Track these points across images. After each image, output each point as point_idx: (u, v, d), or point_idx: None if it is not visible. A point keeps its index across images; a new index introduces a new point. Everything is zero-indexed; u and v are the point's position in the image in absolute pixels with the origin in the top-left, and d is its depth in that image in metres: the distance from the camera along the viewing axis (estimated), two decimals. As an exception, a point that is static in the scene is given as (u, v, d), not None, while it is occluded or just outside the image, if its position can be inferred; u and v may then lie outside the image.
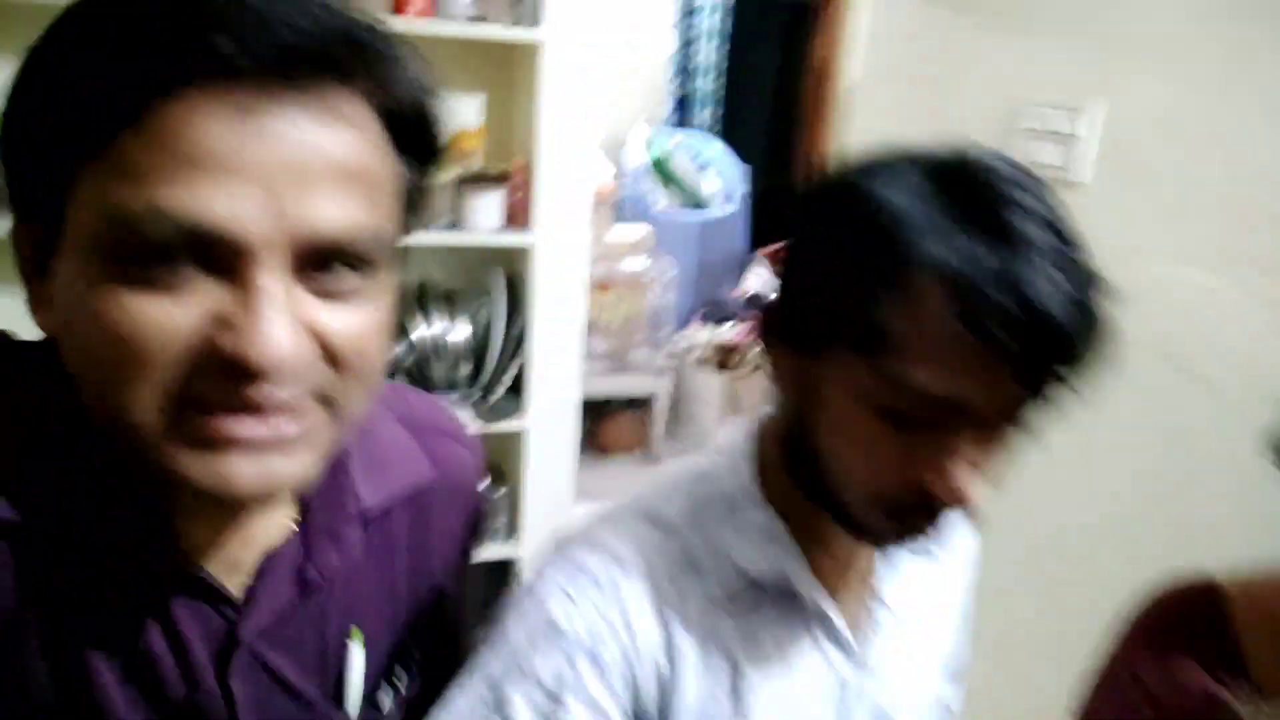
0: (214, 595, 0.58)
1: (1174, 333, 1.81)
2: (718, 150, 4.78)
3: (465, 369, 2.28)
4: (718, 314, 4.04)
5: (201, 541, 0.58)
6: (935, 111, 2.34)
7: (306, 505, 0.63)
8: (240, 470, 0.49)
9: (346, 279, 0.51)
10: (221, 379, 0.48)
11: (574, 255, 2.28)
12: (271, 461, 0.50)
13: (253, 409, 0.49)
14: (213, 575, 0.58)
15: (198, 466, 0.49)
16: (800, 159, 3.94)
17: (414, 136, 0.54)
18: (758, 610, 0.75)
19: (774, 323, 0.72)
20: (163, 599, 0.56)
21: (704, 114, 5.21)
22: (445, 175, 2.09)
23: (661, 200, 4.46)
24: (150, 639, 0.56)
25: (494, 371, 2.28)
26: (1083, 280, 0.62)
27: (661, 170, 4.50)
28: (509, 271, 2.31)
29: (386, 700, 0.70)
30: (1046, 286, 0.60)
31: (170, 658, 0.57)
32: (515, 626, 0.72)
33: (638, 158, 4.49)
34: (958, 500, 0.65)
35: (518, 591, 0.75)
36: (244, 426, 0.49)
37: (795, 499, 0.75)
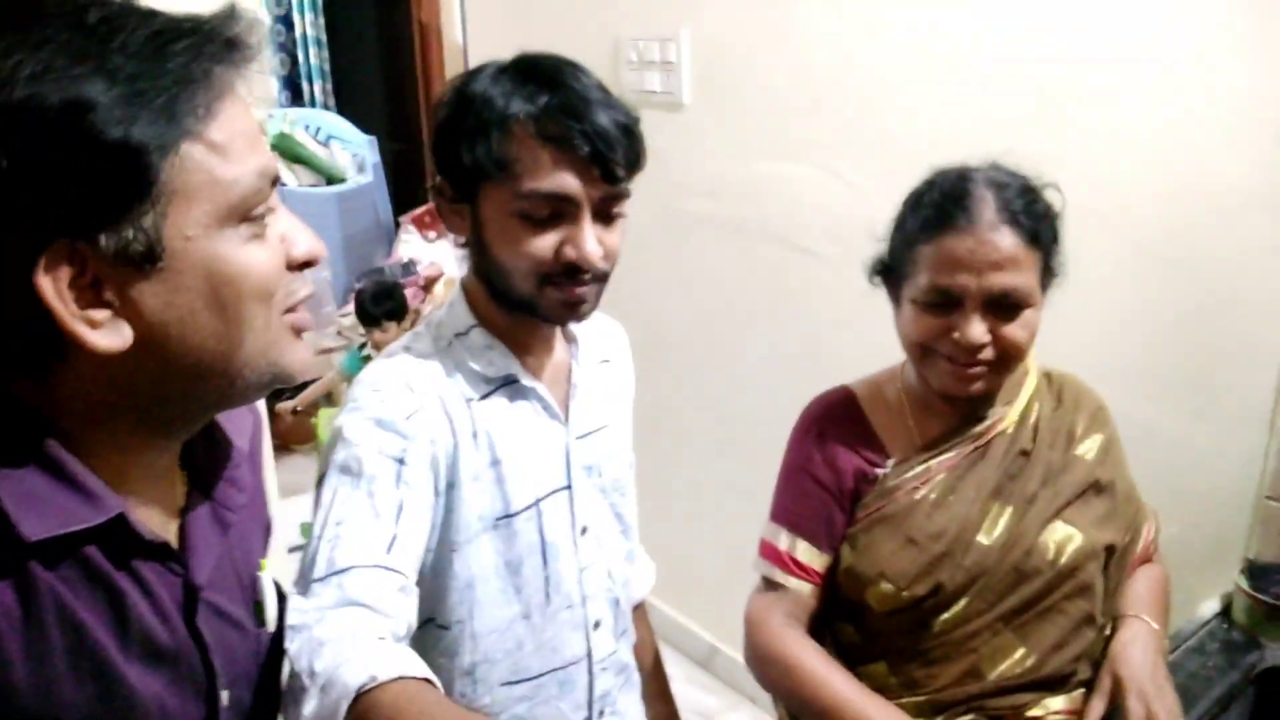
0: (167, 554, 0.67)
1: (781, 216, 2.16)
2: (336, 123, 4.67)
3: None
4: (378, 286, 4.02)
5: (142, 511, 0.66)
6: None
7: (192, 465, 0.73)
8: (305, 349, 0.69)
9: None
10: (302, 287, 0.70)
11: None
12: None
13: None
14: (160, 536, 0.67)
15: (299, 351, 0.69)
16: (427, 121, 3.99)
17: None
18: (494, 399, 1.03)
19: (444, 194, 1.01)
20: (130, 565, 0.64)
21: (314, 89, 5.05)
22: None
23: (292, 180, 4.32)
24: (131, 600, 0.63)
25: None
26: (622, 109, 0.96)
27: (286, 149, 4.34)
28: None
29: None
30: (598, 112, 0.93)
31: (149, 612, 0.65)
32: (351, 430, 0.93)
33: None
34: (588, 259, 0.95)
35: (336, 421, 0.96)
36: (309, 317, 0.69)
37: (501, 320, 1.03)
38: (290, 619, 0.82)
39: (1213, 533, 1.52)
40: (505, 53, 1.02)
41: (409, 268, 4.19)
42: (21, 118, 0.54)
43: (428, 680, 0.75)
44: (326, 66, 5.09)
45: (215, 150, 0.60)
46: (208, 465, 0.74)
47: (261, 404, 0.87)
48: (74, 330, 0.58)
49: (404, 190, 4.58)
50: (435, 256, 4.22)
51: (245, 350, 0.64)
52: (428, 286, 4.10)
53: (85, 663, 0.60)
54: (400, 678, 0.73)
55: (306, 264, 0.68)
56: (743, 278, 2.27)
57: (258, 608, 0.78)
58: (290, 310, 0.67)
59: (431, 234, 4.29)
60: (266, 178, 0.64)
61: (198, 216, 0.60)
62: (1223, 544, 1.51)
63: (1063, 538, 1.08)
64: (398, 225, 4.51)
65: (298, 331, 0.68)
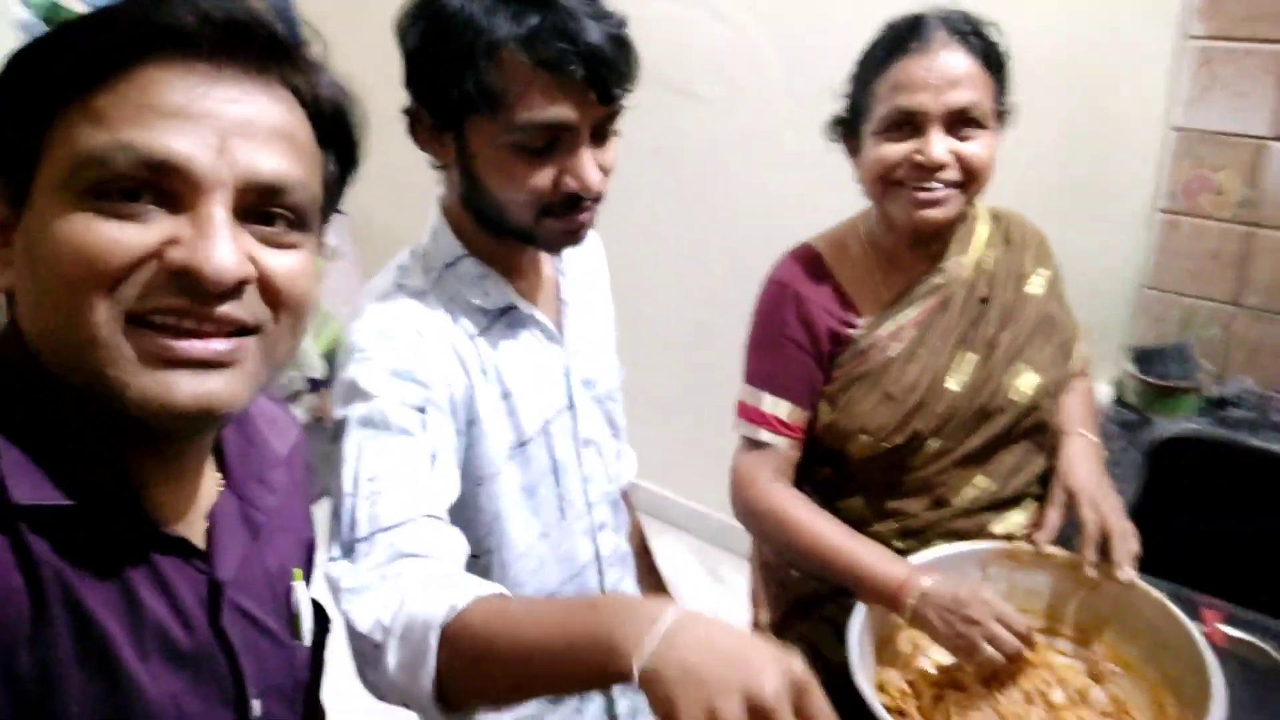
0: (187, 549, 0.64)
1: (659, 60, 2.09)
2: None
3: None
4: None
5: (161, 503, 0.63)
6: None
7: (226, 464, 0.70)
8: (182, 387, 0.55)
9: (284, 232, 0.60)
10: (174, 294, 0.55)
11: None
12: (210, 380, 0.57)
13: (199, 328, 0.56)
14: (177, 531, 0.64)
15: (144, 382, 0.55)
16: None
17: (332, 134, 0.64)
18: (496, 331, 1.00)
19: (422, 124, 0.93)
20: (147, 558, 0.61)
21: None
22: None
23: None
24: (144, 595, 0.60)
25: None
26: (612, 19, 0.89)
27: (56, 20, 3.81)
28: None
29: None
30: (589, 28, 0.86)
31: (166, 610, 0.61)
32: (368, 382, 0.89)
33: (19, 12, 3.73)
34: (590, 189, 0.91)
35: (343, 372, 0.91)
36: (190, 345, 0.56)
37: (490, 246, 0.99)
38: (343, 582, 0.79)
39: (1100, 324, 1.68)
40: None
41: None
42: None
43: (502, 594, 0.74)
44: None
45: (90, 118, 0.55)
46: (238, 463, 0.71)
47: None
48: None
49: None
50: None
51: (86, 342, 0.54)
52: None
53: (93, 654, 0.57)
54: (478, 598, 0.71)
55: (196, 280, 0.55)
56: (625, 129, 2.21)
57: (294, 620, 0.75)
58: (151, 328, 0.55)
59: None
60: (144, 158, 0.55)
61: (51, 184, 0.55)
62: (1110, 334, 1.68)
63: (1025, 380, 1.17)
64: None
65: (151, 356, 0.55)
